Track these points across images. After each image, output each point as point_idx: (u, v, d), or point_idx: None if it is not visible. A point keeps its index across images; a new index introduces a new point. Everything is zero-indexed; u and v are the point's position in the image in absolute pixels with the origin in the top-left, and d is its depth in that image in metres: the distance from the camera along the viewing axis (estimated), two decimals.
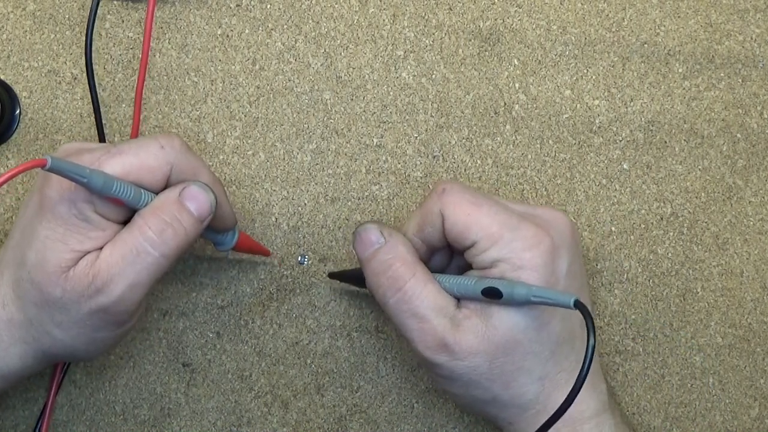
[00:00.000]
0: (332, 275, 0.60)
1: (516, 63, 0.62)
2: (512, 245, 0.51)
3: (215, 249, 0.57)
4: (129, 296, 0.49)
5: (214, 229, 0.54)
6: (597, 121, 0.62)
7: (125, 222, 0.50)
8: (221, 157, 0.61)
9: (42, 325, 0.50)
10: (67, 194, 0.48)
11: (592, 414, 0.53)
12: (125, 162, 0.49)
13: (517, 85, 0.61)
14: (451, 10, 0.61)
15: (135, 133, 0.58)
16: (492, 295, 0.50)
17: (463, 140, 0.61)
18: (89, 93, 0.59)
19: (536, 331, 0.51)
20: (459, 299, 0.52)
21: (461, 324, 0.51)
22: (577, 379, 0.45)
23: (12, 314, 0.50)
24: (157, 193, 0.50)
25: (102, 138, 0.59)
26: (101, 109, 0.60)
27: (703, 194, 0.62)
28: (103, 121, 0.60)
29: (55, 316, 0.49)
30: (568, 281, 0.52)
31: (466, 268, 0.53)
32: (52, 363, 0.52)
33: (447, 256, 0.56)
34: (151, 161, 0.49)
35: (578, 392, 0.45)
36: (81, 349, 0.51)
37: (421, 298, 0.51)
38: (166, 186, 0.51)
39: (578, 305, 0.46)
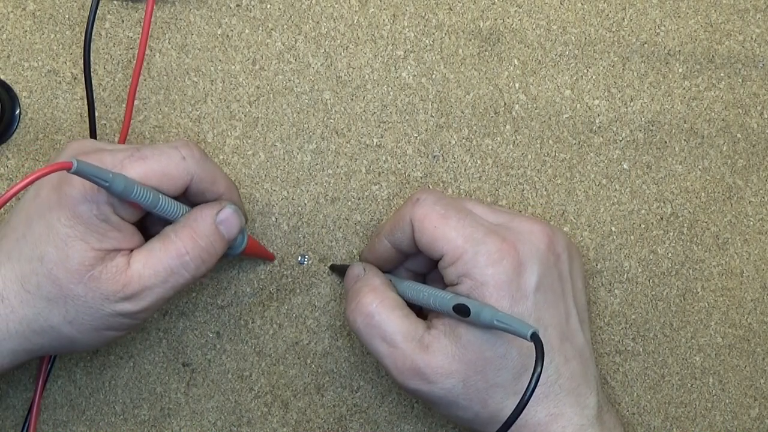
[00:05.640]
0: (333, 267, 0.60)
1: (516, 63, 0.62)
2: (475, 260, 0.51)
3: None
4: (154, 306, 0.51)
5: None
6: (597, 121, 0.62)
7: (139, 222, 0.52)
8: (221, 157, 0.61)
9: (49, 320, 0.50)
10: (89, 195, 0.49)
11: (574, 430, 0.52)
12: (147, 168, 0.50)
13: (517, 85, 0.61)
14: (451, 10, 0.61)
15: (125, 134, 0.58)
16: (461, 312, 0.50)
17: (463, 140, 0.61)
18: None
19: (505, 347, 0.51)
20: (429, 321, 0.53)
21: (431, 346, 0.51)
22: (518, 403, 0.46)
23: (13, 308, 0.50)
24: (173, 198, 0.51)
25: (94, 137, 0.59)
26: (101, 109, 0.60)
27: (703, 194, 0.62)
28: (103, 121, 0.60)
29: (69, 312, 0.50)
30: (539, 296, 0.51)
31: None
32: (41, 356, 0.52)
33: (427, 262, 0.57)
34: (173, 170, 0.51)
35: (519, 415, 0.45)
36: (84, 343, 0.52)
37: (387, 322, 0.52)
38: (184, 192, 0.52)
39: (534, 338, 0.46)
